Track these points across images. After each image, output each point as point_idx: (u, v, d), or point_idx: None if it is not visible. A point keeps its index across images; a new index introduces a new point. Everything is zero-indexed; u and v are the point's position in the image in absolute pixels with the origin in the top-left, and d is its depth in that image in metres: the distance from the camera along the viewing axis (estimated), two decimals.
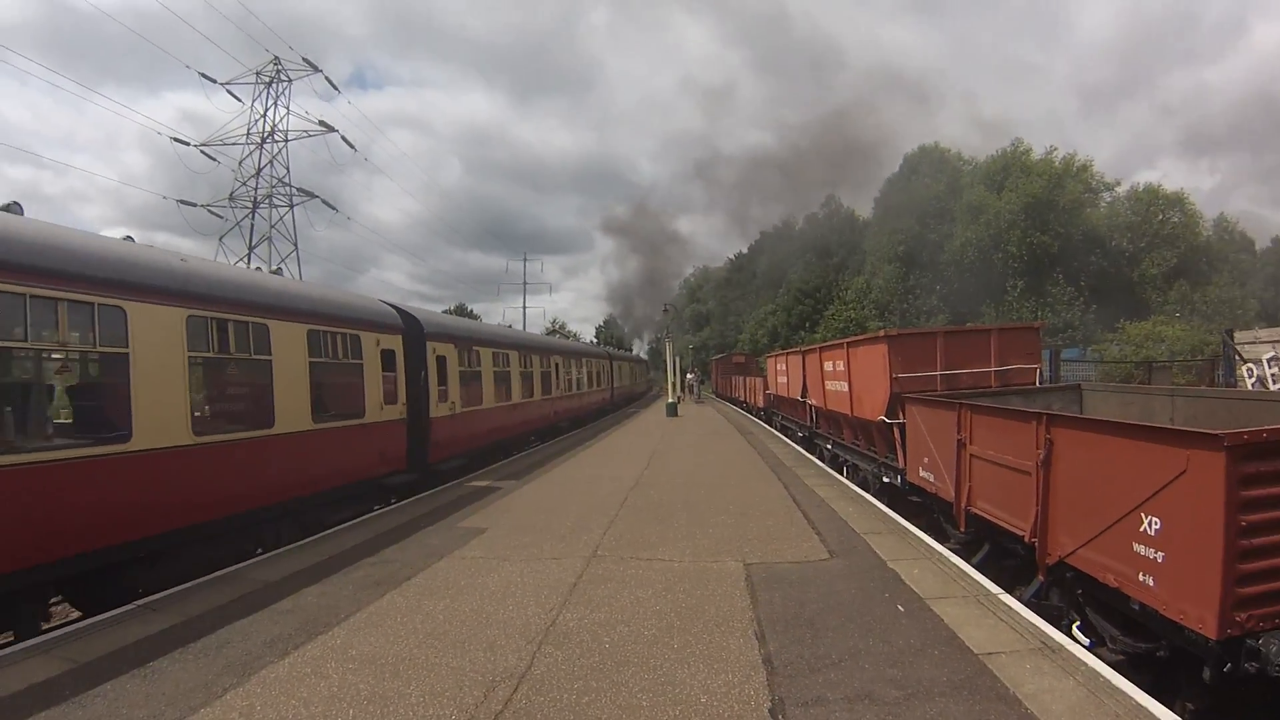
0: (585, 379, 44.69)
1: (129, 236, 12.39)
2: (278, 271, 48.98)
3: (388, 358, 17.83)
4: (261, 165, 63.17)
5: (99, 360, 10.37)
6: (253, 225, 62.92)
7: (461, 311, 74.29)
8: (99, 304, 10.00)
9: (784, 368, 30.91)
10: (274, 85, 63.50)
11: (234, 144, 63.33)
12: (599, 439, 32.73)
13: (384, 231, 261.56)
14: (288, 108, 65.18)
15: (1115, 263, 55.53)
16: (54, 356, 9.95)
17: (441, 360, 20.95)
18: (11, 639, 9.23)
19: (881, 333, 16.33)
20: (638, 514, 14.50)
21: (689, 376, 73.18)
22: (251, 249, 61.54)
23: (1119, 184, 61.22)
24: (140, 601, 9.89)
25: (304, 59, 63.95)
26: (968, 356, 15.73)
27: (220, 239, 62.64)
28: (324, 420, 15.00)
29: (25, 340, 9.07)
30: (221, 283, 12.85)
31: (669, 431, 34.90)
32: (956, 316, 56.11)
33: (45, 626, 9.93)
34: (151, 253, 12.14)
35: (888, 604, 8.56)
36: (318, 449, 14.80)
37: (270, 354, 13.54)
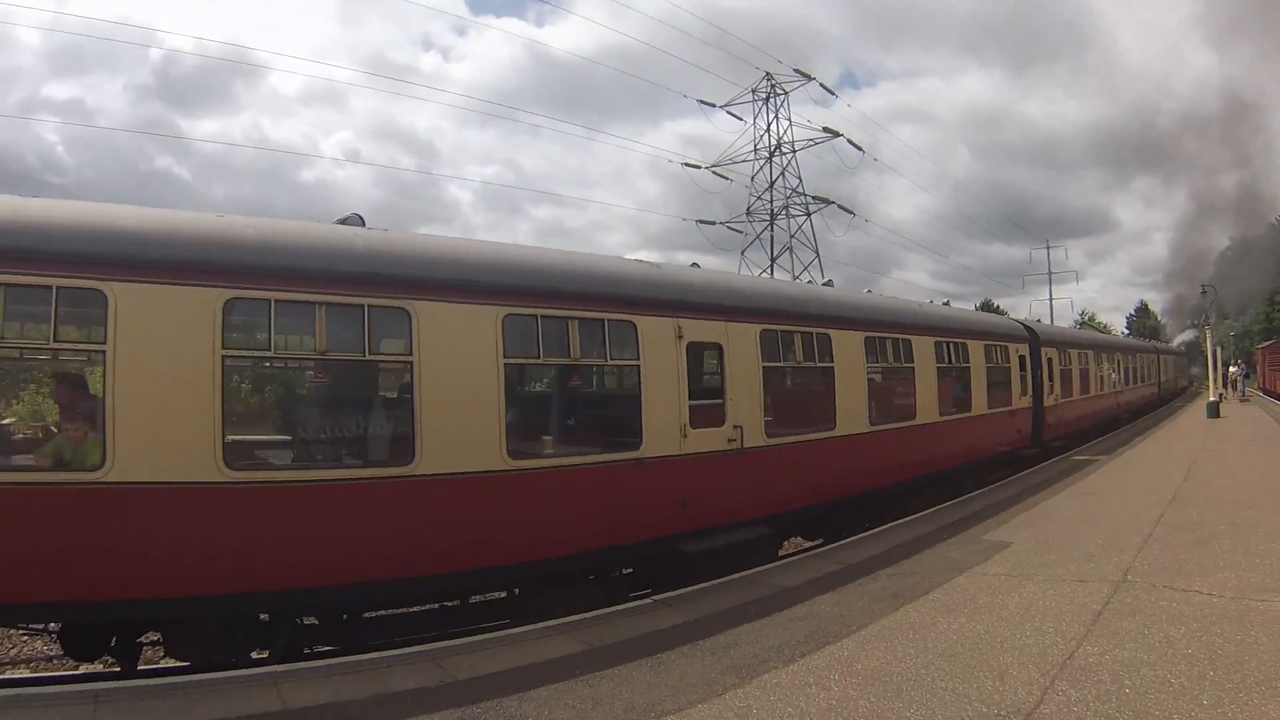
0: (1137, 374, 47.88)
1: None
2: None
3: (1020, 361, 24.52)
4: (774, 178, 65.54)
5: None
6: (772, 237, 65.54)
7: (987, 307, 72.04)
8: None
9: None
10: (771, 100, 65.42)
11: (743, 161, 66.28)
12: (1137, 441, 30.61)
13: (901, 230, 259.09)
14: (789, 119, 67.14)
15: None
16: None
17: (1049, 361, 27.45)
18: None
19: None
20: (1174, 533, 13.21)
21: (1231, 370, 64.52)
22: (774, 259, 64.08)
23: None
24: (658, 597, 10.80)
25: (795, 70, 65.73)
26: None
27: (742, 253, 66.12)
28: (992, 408, 21.86)
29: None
30: (949, 319, 21.86)
31: (1209, 435, 31.43)
32: None
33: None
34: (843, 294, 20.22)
35: None
36: (988, 427, 21.87)
37: (969, 362, 20.87)
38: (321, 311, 9.16)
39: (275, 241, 9.34)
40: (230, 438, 8.61)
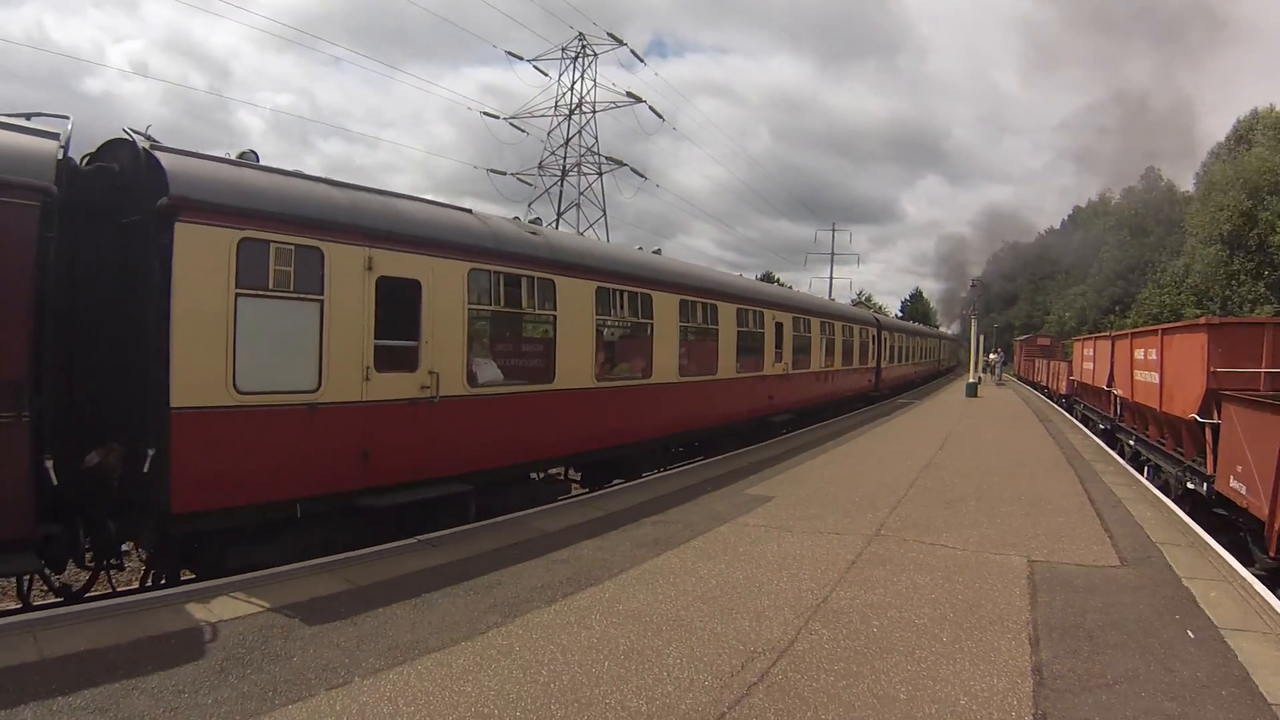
0: (926, 353, 63.16)
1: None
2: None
3: (872, 338, 38.25)
4: (570, 135, 65.15)
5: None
6: (561, 192, 65.28)
7: (769, 279, 74.79)
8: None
9: (1090, 353, 29.28)
10: (580, 59, 65.07)
11: (541, 116, 65.68)
12: (899, 413, 33.31)
13: (691, 199, 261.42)
14: (594, 80, 66.55)
15: None
16: None
17: (884, 339, 41.35)
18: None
19: (1202, 320, 15.02)
20: (926, 495, 14.18)
21: (991, 356, 70.22)
22: (560, 214, 63.86)
23: None
24: (423, 537, 10.73)
25: (608, 34, 64.94)
26: None
27: (529, 204, 65.63)
28: (846, 366, 32.98)
29: None
30: (845, 312, 37.27)
31: (967, 412, 34.18)
32: None
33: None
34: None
35: (1177, 627, 7.65)
36: (844, 379, 32.91)
37: (853, 338, 33.93)
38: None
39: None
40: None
